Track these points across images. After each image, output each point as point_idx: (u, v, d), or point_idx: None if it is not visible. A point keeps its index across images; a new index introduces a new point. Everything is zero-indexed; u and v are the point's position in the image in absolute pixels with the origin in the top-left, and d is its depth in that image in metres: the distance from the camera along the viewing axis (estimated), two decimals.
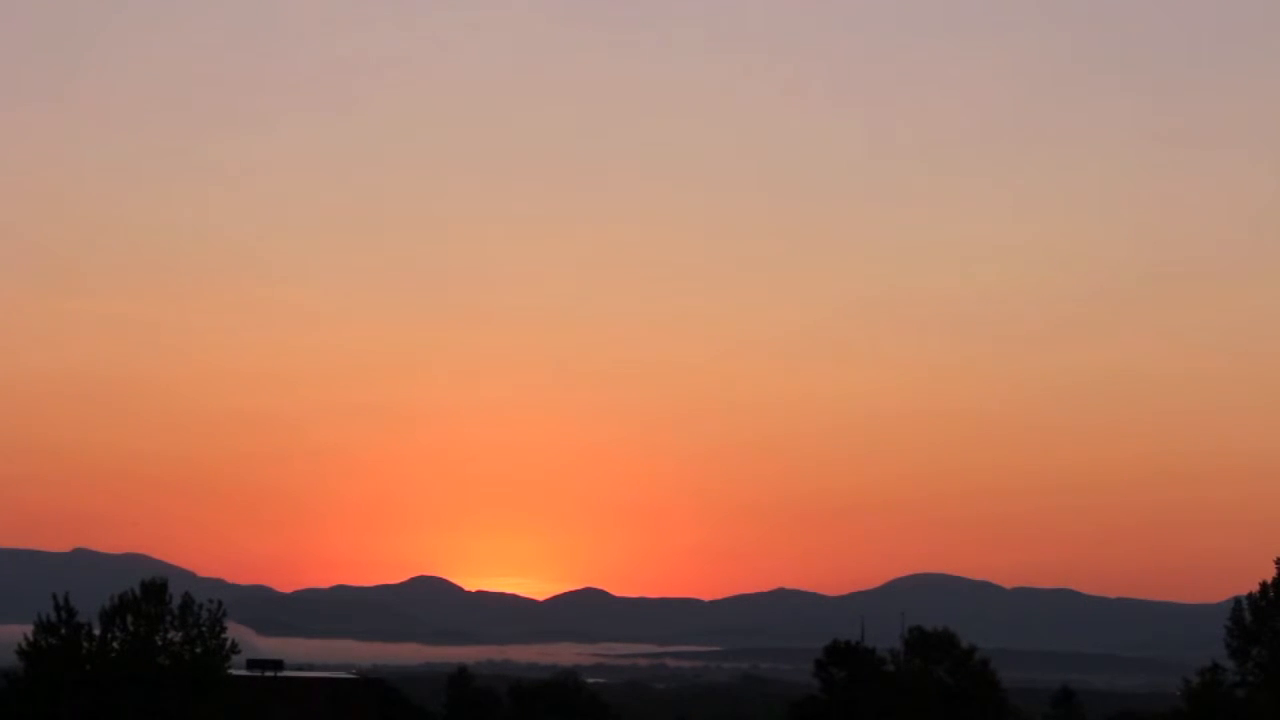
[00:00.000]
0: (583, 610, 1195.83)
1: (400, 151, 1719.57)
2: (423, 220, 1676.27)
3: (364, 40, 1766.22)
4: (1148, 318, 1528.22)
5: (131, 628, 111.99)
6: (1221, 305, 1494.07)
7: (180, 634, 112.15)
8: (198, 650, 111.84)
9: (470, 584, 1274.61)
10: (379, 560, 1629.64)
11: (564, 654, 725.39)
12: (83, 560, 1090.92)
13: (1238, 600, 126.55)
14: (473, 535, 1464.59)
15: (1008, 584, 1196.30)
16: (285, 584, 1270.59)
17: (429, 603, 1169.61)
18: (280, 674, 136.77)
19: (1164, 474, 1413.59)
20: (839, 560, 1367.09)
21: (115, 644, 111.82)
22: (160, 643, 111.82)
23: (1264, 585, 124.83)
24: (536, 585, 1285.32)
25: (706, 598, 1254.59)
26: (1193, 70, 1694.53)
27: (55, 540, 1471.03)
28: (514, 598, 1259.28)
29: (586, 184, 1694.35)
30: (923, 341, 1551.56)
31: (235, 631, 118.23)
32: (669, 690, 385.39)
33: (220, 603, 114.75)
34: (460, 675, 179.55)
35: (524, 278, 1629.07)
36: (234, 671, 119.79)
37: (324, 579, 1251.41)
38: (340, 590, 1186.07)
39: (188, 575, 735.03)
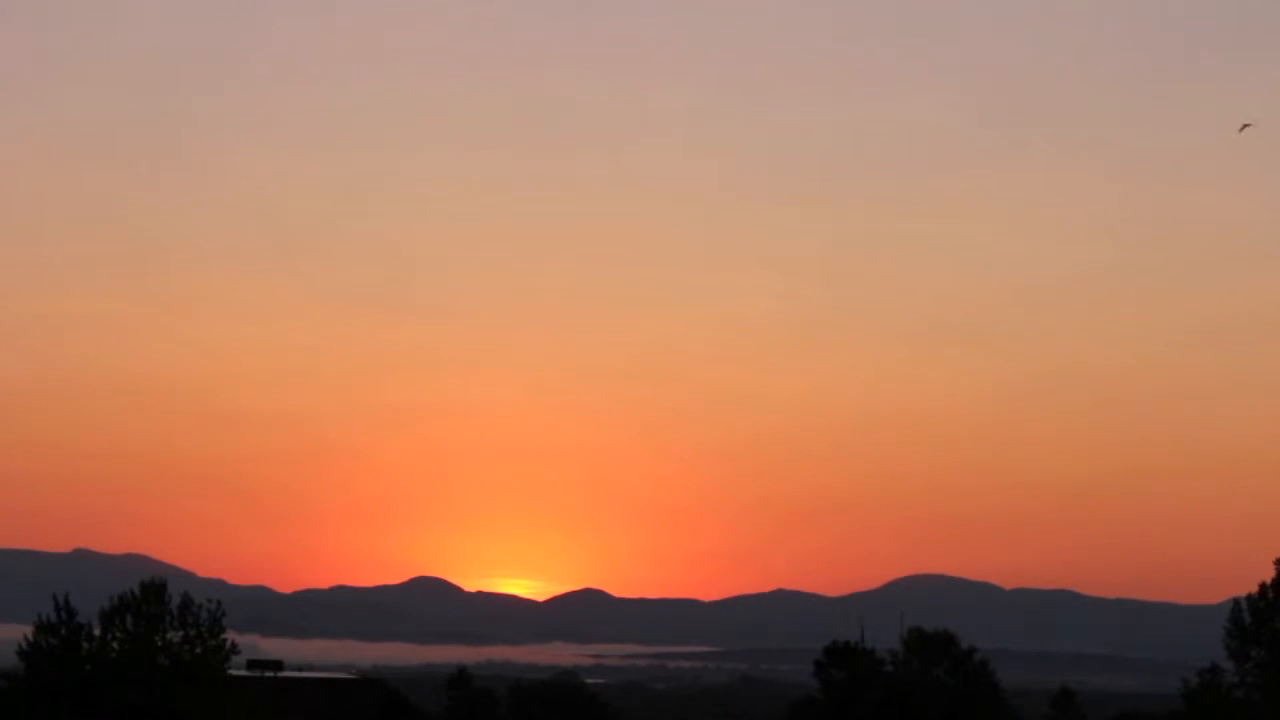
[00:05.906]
0: (583, 611, 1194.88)
1: (399, 147, 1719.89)
2: (422, 219, 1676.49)
3: (360, 27, 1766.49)
4: (1148, 316, 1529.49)
5: (131, 628, 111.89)
6: (1222, 303, 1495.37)
7: (180, 634, 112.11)
8: (198, 650, 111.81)
9: (470, 584, 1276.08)
10: (379, 560, 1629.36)
11: (564, 654, 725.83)
12: (83, 560, 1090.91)
13: (1236, 601, 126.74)
14: (473, 535, 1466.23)
15: (1008, 584, 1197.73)
16: (285, 584, 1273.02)
17: (429, 603, 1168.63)
18: (280, 674, 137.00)
19: (1164, 474, 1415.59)
20: (839, 560, 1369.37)
21: (115, 644, 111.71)
22: (160, 643, 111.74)
23: (1263, 586, 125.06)
24: (536, 586, 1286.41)
25: (706, 598, 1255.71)
26: (1192, 69, 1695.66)
27: (55, 540, 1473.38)
28: (514, 598, 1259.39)
29: (586, 183, 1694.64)
30: (924, 341, 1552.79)
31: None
32: (668, 691, 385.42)
33: (220, 603, 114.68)
34: (460, 676, 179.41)
35: (524, 278, 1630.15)
36: (234, 671, 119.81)
37: (324, 579, 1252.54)
38: (340, 590, 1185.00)
39: (188, 575, 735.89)
